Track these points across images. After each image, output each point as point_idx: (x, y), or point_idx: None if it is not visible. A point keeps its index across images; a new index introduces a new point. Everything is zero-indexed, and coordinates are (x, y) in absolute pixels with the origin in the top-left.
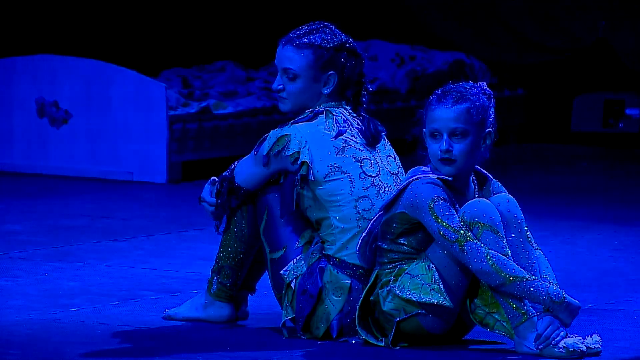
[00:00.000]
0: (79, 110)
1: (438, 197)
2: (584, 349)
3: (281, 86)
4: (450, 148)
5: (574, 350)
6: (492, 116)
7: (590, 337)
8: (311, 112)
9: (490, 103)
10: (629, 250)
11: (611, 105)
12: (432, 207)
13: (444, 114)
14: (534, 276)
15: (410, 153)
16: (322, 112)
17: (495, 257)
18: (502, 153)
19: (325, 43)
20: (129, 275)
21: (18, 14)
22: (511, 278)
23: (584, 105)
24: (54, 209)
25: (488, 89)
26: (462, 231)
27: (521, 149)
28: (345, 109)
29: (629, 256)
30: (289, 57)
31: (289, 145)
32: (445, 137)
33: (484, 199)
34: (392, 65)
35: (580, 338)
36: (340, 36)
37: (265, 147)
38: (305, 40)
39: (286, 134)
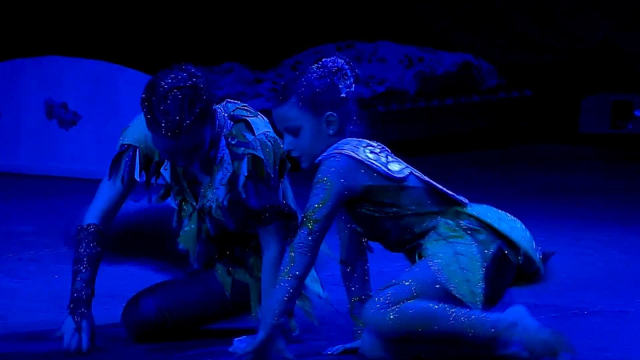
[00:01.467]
0: (88, 112)
1: (328, 177)
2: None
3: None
4: (290, 147)
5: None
6: (341, 93)
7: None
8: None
9: (334, 79)
10: (637, 252)
11: (619, 106)
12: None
13: (275, 115)
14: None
15: (415, 155)
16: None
17: (289, 255)
18: (509, 154)
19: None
20: (134, 275)
21: (26, 16)
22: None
23: (592, 107)
24: (64, 210)
25: (340, 62)
26: (306, 214)
27: (528, 150)
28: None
29: (637, 257)
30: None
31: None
32: (285, 138)
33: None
34: (401, 67)
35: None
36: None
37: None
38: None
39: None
